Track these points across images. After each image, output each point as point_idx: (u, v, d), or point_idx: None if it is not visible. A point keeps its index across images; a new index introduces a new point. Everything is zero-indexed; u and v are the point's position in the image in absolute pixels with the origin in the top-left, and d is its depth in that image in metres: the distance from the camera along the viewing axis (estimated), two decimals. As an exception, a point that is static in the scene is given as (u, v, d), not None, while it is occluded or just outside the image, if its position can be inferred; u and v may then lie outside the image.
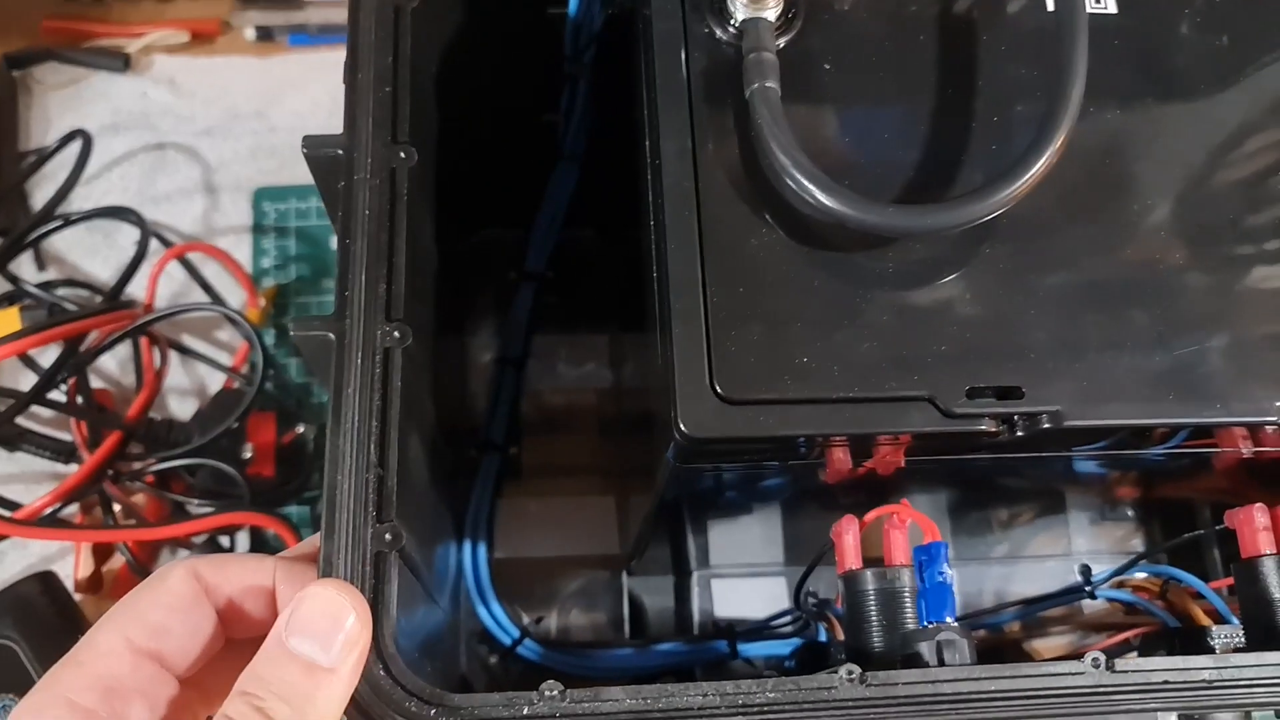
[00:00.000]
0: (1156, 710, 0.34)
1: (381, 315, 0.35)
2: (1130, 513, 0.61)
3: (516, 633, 0.54)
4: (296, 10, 0.77)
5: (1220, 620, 0.48)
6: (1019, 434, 0.37)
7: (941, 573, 0.37)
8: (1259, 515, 0.44)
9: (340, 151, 0.37)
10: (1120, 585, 0.57)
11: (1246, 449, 0.42)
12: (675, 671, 0.55)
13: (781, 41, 0.40)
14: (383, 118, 0.38)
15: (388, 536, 0.33)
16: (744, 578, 0.57)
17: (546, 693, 0.32)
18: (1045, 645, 0.57)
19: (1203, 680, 0.34)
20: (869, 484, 0.44)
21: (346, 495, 0.33)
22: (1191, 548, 0.58)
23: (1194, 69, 0.42)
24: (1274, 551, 0.43)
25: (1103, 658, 0.34)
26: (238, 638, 0.34)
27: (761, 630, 0.55)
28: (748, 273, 0.37)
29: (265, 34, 0.77)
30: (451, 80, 0.48)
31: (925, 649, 0.36)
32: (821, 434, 0.36)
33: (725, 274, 0.37)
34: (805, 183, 0.36)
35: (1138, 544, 0.61)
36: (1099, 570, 0.52)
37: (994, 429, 0.37)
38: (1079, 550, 0.60)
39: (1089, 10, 0.42)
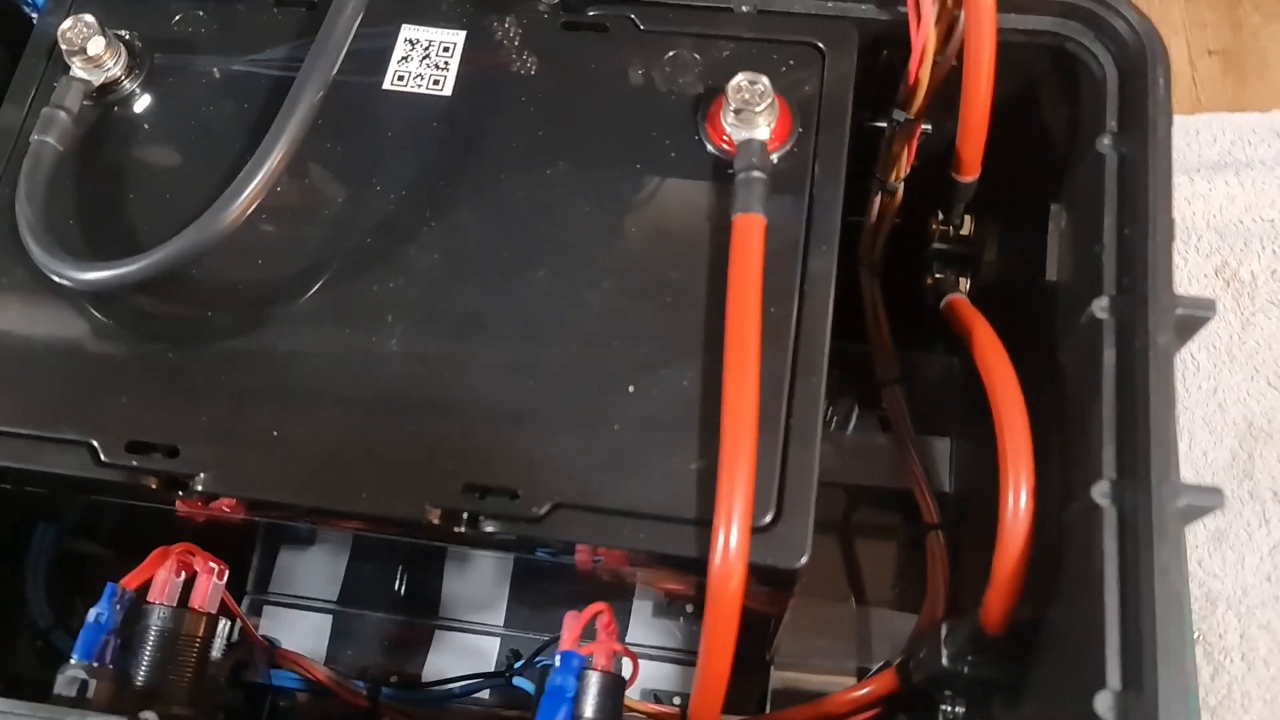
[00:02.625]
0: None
1: None
2: (690, 609, 0.59)
3: None
4: None
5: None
6: (181, 493, 0.38)
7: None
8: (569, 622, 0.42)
9: None
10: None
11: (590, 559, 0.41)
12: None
13: (120, 94, 0.44)
14: None
15: None
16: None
17: None
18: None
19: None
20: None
21: None
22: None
23: (505, 156, 0.42)
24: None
25: None
26: None
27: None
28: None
29: None
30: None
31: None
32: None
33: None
34: (23, 234, 0.39)
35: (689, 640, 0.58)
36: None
37: (148, 483, 0.38)
38: (635, 640, 0.58)
39: (426, 91, 0.43)
